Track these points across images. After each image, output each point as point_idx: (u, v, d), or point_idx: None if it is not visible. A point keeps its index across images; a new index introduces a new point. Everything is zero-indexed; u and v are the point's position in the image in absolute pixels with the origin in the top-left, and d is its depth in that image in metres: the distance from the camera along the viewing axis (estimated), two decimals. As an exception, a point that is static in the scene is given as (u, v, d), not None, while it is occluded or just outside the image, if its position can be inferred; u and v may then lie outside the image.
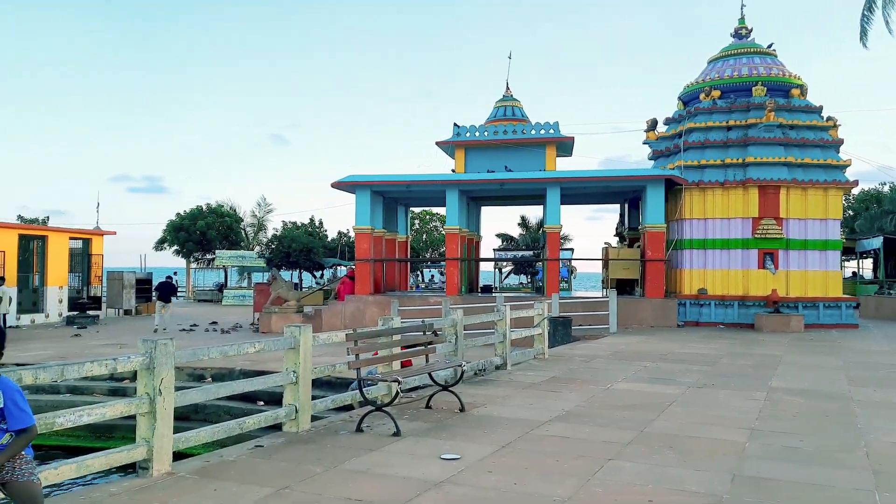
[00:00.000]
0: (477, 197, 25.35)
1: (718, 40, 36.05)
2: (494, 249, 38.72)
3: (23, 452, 3.58)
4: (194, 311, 29.89)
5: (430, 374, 8.55)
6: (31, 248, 23.68)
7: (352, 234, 35.80)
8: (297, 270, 38.91)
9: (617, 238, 26.32)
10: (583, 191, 22.87)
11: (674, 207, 21.33)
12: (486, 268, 38.06)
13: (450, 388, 8.50)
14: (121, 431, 11.72)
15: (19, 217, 44.85)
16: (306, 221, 40.89)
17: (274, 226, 44.73)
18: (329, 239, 40.65)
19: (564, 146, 23.28)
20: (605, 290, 23.09)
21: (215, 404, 12.12)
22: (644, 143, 23.75)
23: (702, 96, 22.19)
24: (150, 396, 5.44)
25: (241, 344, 6.75)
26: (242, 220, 45.18)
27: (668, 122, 23.30)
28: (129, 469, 5.82)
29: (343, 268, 36.97)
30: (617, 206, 27.11)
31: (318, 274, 41.48)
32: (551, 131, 22.60)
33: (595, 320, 19.00)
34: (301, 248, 35.77)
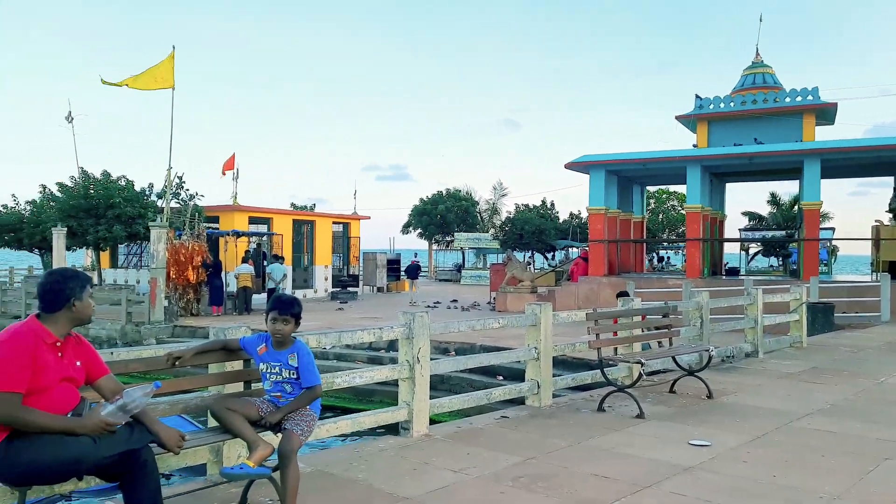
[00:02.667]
0: (721, 173, 23.70)
1: None
2: (740, 229, 35.92)
3: (308, 408, 4.10)
4: (436, 290, 31.80)
5: (673, 358, 8.25)
6: (302, 231, 26.86)
7: (584, 215, 35.55)
8: (530, 252, 39.61)
9: (890, 215, 23.03)
10: (847, 163, 20.30)
11: (968, 178, 18.11)
12: (730, 249, 35.46)
13: (696, 374, 8.13)
14: (379, 396, 12.91)
15: (291, 204, 50.98)
16: (538, 203, 41.30)
17: (507, 208, 45.82)
18: (561, 220, 40.73)
19: (825, 114, 20.84)
20: (874, 273, 20.37)
21: (459, 376, 12.84)
22: (927, 105, 20.44)
23: None
24: (409, 364, 5.94)
25: (486, 319, 7.09)
26: (478, 204, 46.93)
27: (960, 77, 19.78)
28: (373, 430, 6.41)
29: (574, 249, 36.86)
30: (889, 180, 23.70)
31: (549, 255, 41.84)
32: (809, 98, 20.35)
33: (862, 307, 16.87)
34: (533, 230, 36.32)
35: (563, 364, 12.03)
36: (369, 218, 30.69)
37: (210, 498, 4.40)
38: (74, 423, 3.23)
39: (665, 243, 45.76)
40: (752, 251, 38.72)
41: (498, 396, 7.00)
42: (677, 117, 22.40)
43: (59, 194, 23.10)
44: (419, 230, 45.60)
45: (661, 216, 47.05)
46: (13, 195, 27.38)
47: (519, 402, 7.55)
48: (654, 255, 41.63)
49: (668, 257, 46.69)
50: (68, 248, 22.80)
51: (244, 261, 21.20)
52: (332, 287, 27.60)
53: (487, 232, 43.84)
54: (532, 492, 4.62)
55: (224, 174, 23.80)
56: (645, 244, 28.94)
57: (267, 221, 25.37)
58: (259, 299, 21.08)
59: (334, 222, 28.98)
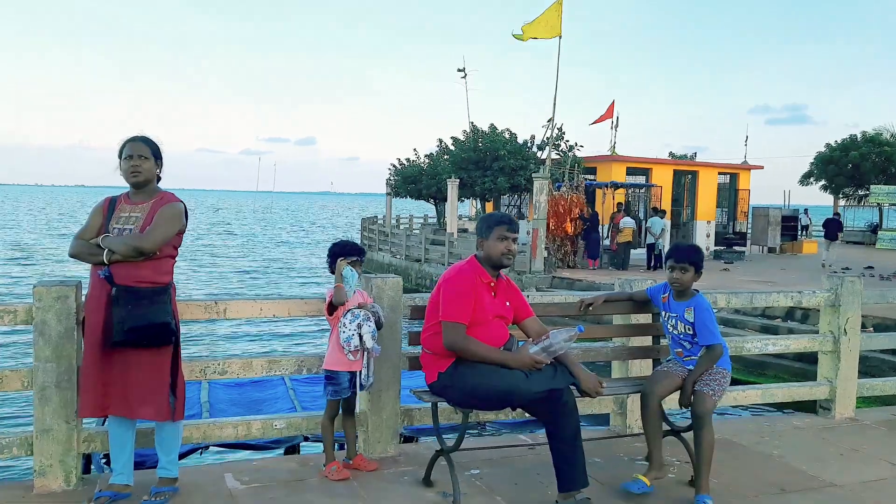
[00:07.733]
0: None
1: None
2: None
3: (719, 367, 4.01)
4: (843, 253, 28.24)
5: None
6: (683, 183, 26.13)
7: None
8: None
9: None
10: None
11: None
12: None
13: None
14: (772, 370, 12.15)
15: (670, 154, 49.93)
16: None
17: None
18: None
19: None
20: None
21: (877, 356, 11.35)
22: None
23: None
24: (833, 335, 5.44)
25: (938, 291, 6.11)
26: (908, 149, 40.02)
27: None
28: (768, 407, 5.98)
29: None
30: None
31: None
32: None
33: None
34: None
35: None
36: (762, 168, 28.52)
37: (615, 448, 4.66)
38: (508, 356, 3.69)
39: None
40: None
41: (949, 385, 6.02)
42: None
43: (452, 148, 26.17)
44: (822, 182, 40.81)
45: None
46: (414, 149, 31.77)
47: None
48: None
49: None
50: (458, 199, 25.77)
51: (626, 214, 21.46)
52: (715, 245, 26.44)
53: (917, 184, 37.26)
54: None
55: (591, 125, 24.30)
56: None
57: (645, 172, 25.25)
58: (636, 254, 21.24)
59: (720, 173, 27.58)
